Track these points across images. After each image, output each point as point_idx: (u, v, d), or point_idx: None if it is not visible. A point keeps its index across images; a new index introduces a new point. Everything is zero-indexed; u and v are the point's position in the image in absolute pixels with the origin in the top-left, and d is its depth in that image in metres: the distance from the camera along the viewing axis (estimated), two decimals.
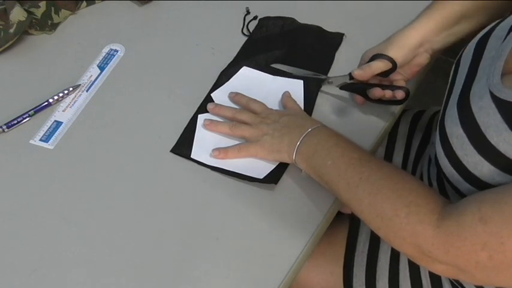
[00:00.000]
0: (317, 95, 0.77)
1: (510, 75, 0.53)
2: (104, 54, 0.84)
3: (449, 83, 0.63)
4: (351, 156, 0.61)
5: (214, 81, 0.79)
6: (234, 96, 0.76)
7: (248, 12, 0.88)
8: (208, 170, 0.70)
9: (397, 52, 0.70)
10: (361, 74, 0.71)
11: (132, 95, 0.79)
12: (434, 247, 0.51)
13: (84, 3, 0.91)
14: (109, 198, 0.68)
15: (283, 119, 0.70)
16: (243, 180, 0.68)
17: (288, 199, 0.67)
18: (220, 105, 0.75)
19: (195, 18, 0.89)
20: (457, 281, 0.68)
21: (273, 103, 0.76)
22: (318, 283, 0.80)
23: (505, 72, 0.53)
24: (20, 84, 0.81)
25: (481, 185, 0.52)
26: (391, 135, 0.87)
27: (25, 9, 0.83)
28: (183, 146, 0.72)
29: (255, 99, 0.75)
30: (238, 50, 0.83)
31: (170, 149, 0.72)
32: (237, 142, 0.72)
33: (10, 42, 0.83)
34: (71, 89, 0.78)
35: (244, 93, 0.76)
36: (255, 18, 0.87)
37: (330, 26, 0.85)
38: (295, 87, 0.78)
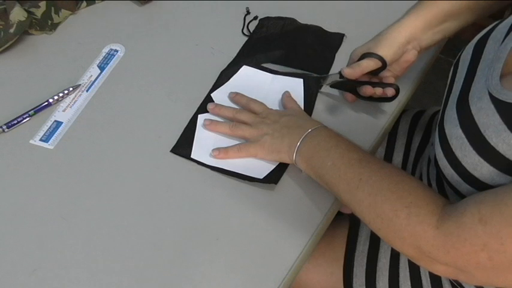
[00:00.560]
0: (317, 94, 0.77)
1: (509, 76, 0.53)
2: (104, 54, 0.84)
3: (448, 85, 0.63)
4: (350, 157, 0.61)
5: (214, 81, 0.79)
6: (234, 96, 0.76)
7: (248, 13, 0.88)
8: (208, 170, 0.70)
9: (386, 50, 0.70)
10: (351, 73, 0.71)
11: (132, 95, 0.79)
12: (434, 248, 0.51)
13: (84, 3, 0.91)
14: (109, 198, 0.68)
15: (283, 119, 0.70)
16: (243, 180, 0.68)
17: (288, 199, 0.67)
18: (220, 105, 0.75)
19: (195, 18, 0.89)
20: (457, 281, 0.68)
21: (273, 102, 0.76)
22: (318, 283, 0.80)
23: (504, 73, 0.53)
24: (20, 84, 0.81)
25: (480, 185, 0.52)
26: (391, 135, 0.87)
27: (25, 9, 0.83)
28: (183, 146, 0.72)
29: (255, 99, 0.75)
30: (238, 50, 0.83)
31: (170, 149, 0.72)
32: (237, 142, 0.72)
33: (10, 42, 0.83)
34: (71, 89, 0.78)
35: (244, 93, 0.76)
36: (255, 18, 0.87)
37: (330, 27, 0.85)
38: (295, 86, 0.78)
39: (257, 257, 0.63)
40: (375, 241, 0.77)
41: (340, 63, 0.80)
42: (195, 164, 0.70)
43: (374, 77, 0.75)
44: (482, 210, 0.47)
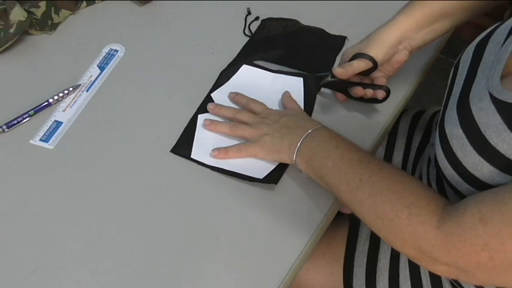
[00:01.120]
0: (316, 94, 0.77)
1: (509, 77, 0.53)
2: (104, 54, 0.84)
3: (448, 85, 0.63)
4: (351, 158, 0.61)
5: (214, 81, 0.79)
6: (234, 96, 0.76)
7: (249, 13, 0.88)
8: (208, 170, 0.70)
9: (378, 51, 0.70)
10: (342, 72, 0.71)
11: (132, 95, 0.79)
12: (435, 248, 0.51)
13: (84, 3, 0.91)
14: (109, 198, 0.68)
15: (284, 119, 0.70)
16: (243, 180, 0.68)
17: (288, 199, 0.67)
18: (220, 105, 0.75)
19: (195, 18, 0.89)
20: (457, 281, 0.68)
21: (273, 102, 0.76)
22: (318, 283, 0.80)
23: (504, 75, 0.54)
24: (20, 84, 0.81)
25: (480, 185, 0.52)
26: (391, 135, 0.87)
27: (25, 9, 0.83)
28: (183, 146, 0.72)
29: (255, 99, 0.75)
30: (238, 50, 0.83)
31: (170, 149, 0.72)
32: (237, 142, 0.72)
33: (10, 42, 0.83)
34: (71, 89, 0.78)
35: (244, 93, 0.76)
36: (256, 19, 0.87)
37: (332, 29, 0.85)
38: (295, 86, 0.78)
39: (257, 257, 0.63)
40: (375, 241, 0.77)
41: None
42: (195, 164, 0.70)
43: (365, 77, 0.75)
44: (482, 210, 0.47)
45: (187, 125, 0.74)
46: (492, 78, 0.54)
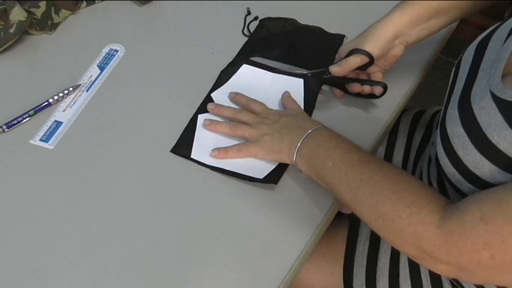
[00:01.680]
0: (317, 95, 0.77)
1: (510, 76, 0.53)
2: (104, 54, 0.84)
3: (449, 85, 0.63)
4: (351, 158, 0.61)
5: (214, 81, 0.79)
6: (234, 96, 0.76)
7: (249, 13, 0.88)
8: (208, 170, 0.70)
9: (374, 46, 0.70)
10: (339, 70, 0.71)
11: (132, 95, 0.79)
12: (436, 247, 0.51)
13: (84, 3, 0.91)
14: (109, 198, 0.68)
15: (283, 119, 0.70)
16: (243, 180, 0.68)
17: (288, 199, 0.67)
18: (220, 105, 0.75)
19: (195, 18, 0.89)
20: (457, 281, 0.68)
21: (273, 102, 0.76)
22: (318, 283, 0.80)
23: (506, 73, 0.54)
24: (20, 84, 0.81)
25: (481, 184, 0.52)
26: (392, 134, 0.87)
27: (25, 9, 0.83)
28: (183, 146, 0.72)
29: (255, 99, 0.75)
30: (238, 50, 0.83)
31: (170, 149, 0.72)
32: (237, 142, 0.72)
33: (10, 42, 0.83)
34: (71, 89, 0.78)
35: (244, 93, 0.76)
36: (255, 18, 0.87)
37: (331, 27, 0.85)
38: (295, 86, 0.78)
39: (257, 257, 0.63)
40: (375, 241, 0.77)
41: None
42: (195, 164, 0.70)
43: (362, 72, 0.75)
44: (483, 208, 0.48)
45: (187, 125, 0.74)
46: (493, 76, 0.54)
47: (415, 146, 0.84)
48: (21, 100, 0.77)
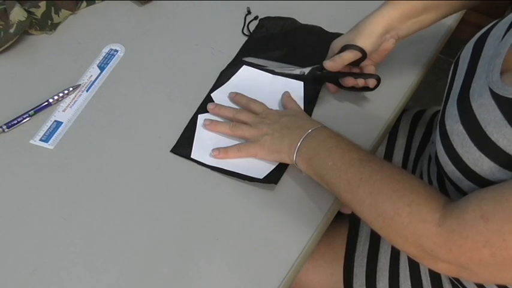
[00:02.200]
0: (317, 96, 0.77)
1: (509, 73, 0.53)
2: (104, 54, 0.84)
3: (448, 82, 0.63)
4: (351, 157, 0.61)
5: (214, 81, 0.79)
6: (234, 96, 0.76)
7: (249, 12, 0.88)
8: (208, 170, 0.70)
9: (366, 41, 0.71)
10: (333, 66, 0.72)
11: (132, 95, 0.79)
12: (436, 246, 0.51)
13: (84, 3, 0.91)
14: (109, 198, 0.68)
15: (283, 119, 0.70)
16: (243, 180, 0.68)
17: (288, 199, 0.67)
18: (220, 105, 0.75)
19: (195, 18, 0.89)
20: (458, 281, 0.68)
21: (273, 102, 0.76)
22: (318, 283, 0.80)
23: (504, 70, 0.54)
24: (20, 84, 0.81)
25: (481, 182, 0.52)
26: (392, 134, 0.87)
27: (25, 9, 0.83)
28: (183, 146, 0.72)
29: (255, 99, 0.75)
30: (238, 50, 0.83)
31: (170, 149, 0.72)
32: (237, 142, 0.72)
33: (10, 42, 0.83)
34: (71, 89, 0.78)
35: (244, 93, 0.76)
36: (255, 18, 0.87)
37: (330, 27, 0.85)
38: (295, 87, 0.78)
39: (257, 257, 0.63)
40: (374, 241, 0.77)
41: None
42: (195, 164, 0.70)
43: (355, 67, 0.76)
44: (483, 206, 0.48)
45: (187, 125, 0.74)
46: (492, 73, 0.54)
47: (415, 146, 0.84)
48: (21, 100, 0.77)
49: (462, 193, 0.56)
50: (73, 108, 0.77)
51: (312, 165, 0.64)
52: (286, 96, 0.76)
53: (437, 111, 0.89)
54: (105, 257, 0.63)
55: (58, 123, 0.76)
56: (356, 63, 0.73)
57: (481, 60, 0.58)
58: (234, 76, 0.80)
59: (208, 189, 0.68)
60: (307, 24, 0.86)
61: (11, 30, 0.82)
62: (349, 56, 0.71)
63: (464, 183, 0.55)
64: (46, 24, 0.87)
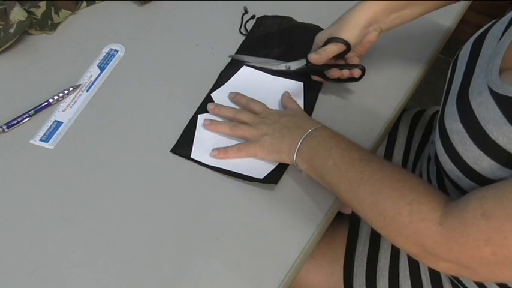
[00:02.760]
0: (317, 96, 0.77)
1: (508, 71, 0.53)
2: (104, 54, 0.84)
3: (447, 82, 0.63)
4: (351, 157, 0.61)
5: (214, 81, 0.79)
6: (234, 97, 0.76)
7: (246, 12, 0.88)
8: (208, 170, 0.70)
9: (350, 34, 0.71)
10: (317, 59, 0.73)
11: (132, 95, 0.79)
12: (437, 244, 0.51)
13: (84, 3, 0.91)
14: (109, 198, 0.68)
15: (283, 119, 0.70)
16: (243, 180, 0.68)
17: (288, 199, 0.67)
18: (220, 105, 0.75)
19: (195, 18, 0.89)
20: (458, 280, 0.68)
21: (273, 102, 0.76)
22: (318, 283, 0.80)
23: (503, 69, 0.54)
24: (20, 84, 0.81)
25: (481, 180, 0.52)
26: (391, 134, 0.87)
27: (25, 9, 0.83)
28: (183, 146, 0.72)
29: (255, 99, 0.75)
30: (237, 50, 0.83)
31: (170, 149, 0.72)
32: (237, 142, 0.72)
33: (10, 42, 0.83)
34: (71, 89, 0.78)
35: (244, 93, 0.76)
36: (252, 17, 0.88)
37: (326, 25, 0.85)
38: (295, 88, 0.78)
39: (257, 257, 0.63)
40: (374, 241, 0.77)
41: None
42: (195, 164, 0.70)
43: (339, 59, 0.76)
44: (484, 205, 0.48)
45: (187, 125, 0.74)
46: (491, 72, 0.54)
47: (414, 146, 0.84)
48: (21, 100, 0.77)
49: (462, 192, 0.56)
50: (73, 108, 0.77)
51: (312, 165, 0.64)
52: (286, 96, 0.76)
53: (437, 112, 0.89)
54: (105, 257, 0.63)
55: (58, 123, 0.76)
56: (341, 55, 0.74)
57: (479, 59, 0.58)
58: (234, 76, 0.80)
59: (208, 189, 0.68)
60: (303, 23, 0.86)
61: (11, 30, 0.82)
62: (334, 48, 0.72)
63: (464, 182, 0.55)
64: (46, 24, 0.87)
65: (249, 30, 0.86)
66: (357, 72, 0.74)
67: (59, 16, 0.88)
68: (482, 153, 0.51)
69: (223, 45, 0.84)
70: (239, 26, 0.87)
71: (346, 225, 0.81)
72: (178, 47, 0.85)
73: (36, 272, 0.62)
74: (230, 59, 0.82)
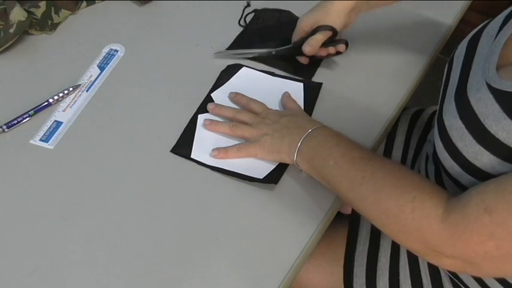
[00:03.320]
0: (317, 96, 0.77)
1: (505, 68, 0.54)
2: (104, 54, 0.84)
3: (443, 80, 0.64)
4: (352, 155, 0.61)
5: (214, 81, 0.79)
6: (234, 97, 0.76)
7: (248, 5, 0.89)
8: (208, 170, 0.70)
9: (336, 20, 0.75)
10: (311, 50, 0.77)
11: (132, 95, 0.79)
12: (440, 241, 0.51)
13: (84, 3, 0.91)
14: (109, 198, 0.68)
15: (283, 119, 0.70)
16: (243, 180, 0.68)
17: (288, 199, 0.67)
18: (220, 105, 0.75)
19: (195, 18, 0.89)
20: (458, 279, 0.68)
21: (273, 102, 0.76)
22: (318, 283, 0.80)
23: (500, 65, 0.54)
24: (20, 84, 0.81)
25: (481, 175, 0.53)
26: (390, 133, 0.87)
27: (25, 9, 0.83)
28: (183, 146, 0.72)
29: (255, 99, 0.75)
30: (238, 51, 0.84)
31: (170, 149, 0.72)
32: (237, 142, 0.72)
33: (10, 42, 0.83)
34: (71, 89, 0.78)
35: (244, 93, 0.76)
36: (254, 11, 0.89)
37: None
38: (295, 88, 0.78)
39: (257, 257, 0.63)
40: (374, 241, 0.77)
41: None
42: (195, 164, 0.70)
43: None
44: (486, 200, 0.48)
45: (187, 125, 0.74)
46: (488, 69, 0.55)
47: (413, 145, 0.84)
48: (21, 100, 0.77)
49: (462, 188, 0.56)
50: (73, 108, 0.77)
51: (313, 164, 0.64)
52: (286, 96, 0.76)
53: (435, 111, 0.89)
54: (105, 257, 0.63)
55: (58, 123, 0.76)
56: (328, 41, 0.78)
57: (475, 57, 0.59)
58: (234, 76, 0.80)
59: (208, 189, 0.68)
60: None
61: (11, 30, 0.82)
62: (323, 37, 0.76)
63: (464, 177, 0.55)
64: (46, 24, 0.87)
65: (247, 23, 0.87)
66: (341, 48, 0.78)
67: (59, 16, 0.88)
68: (482, 148, 0.51)
69: (224, 46, 0.84)
70: (240, 26, 0.87)
71: (346, 225, 0.81)
72: (178, 47, 0.85)
73: (36, 272, 0.62)
74: (231, 59, 0.82)
